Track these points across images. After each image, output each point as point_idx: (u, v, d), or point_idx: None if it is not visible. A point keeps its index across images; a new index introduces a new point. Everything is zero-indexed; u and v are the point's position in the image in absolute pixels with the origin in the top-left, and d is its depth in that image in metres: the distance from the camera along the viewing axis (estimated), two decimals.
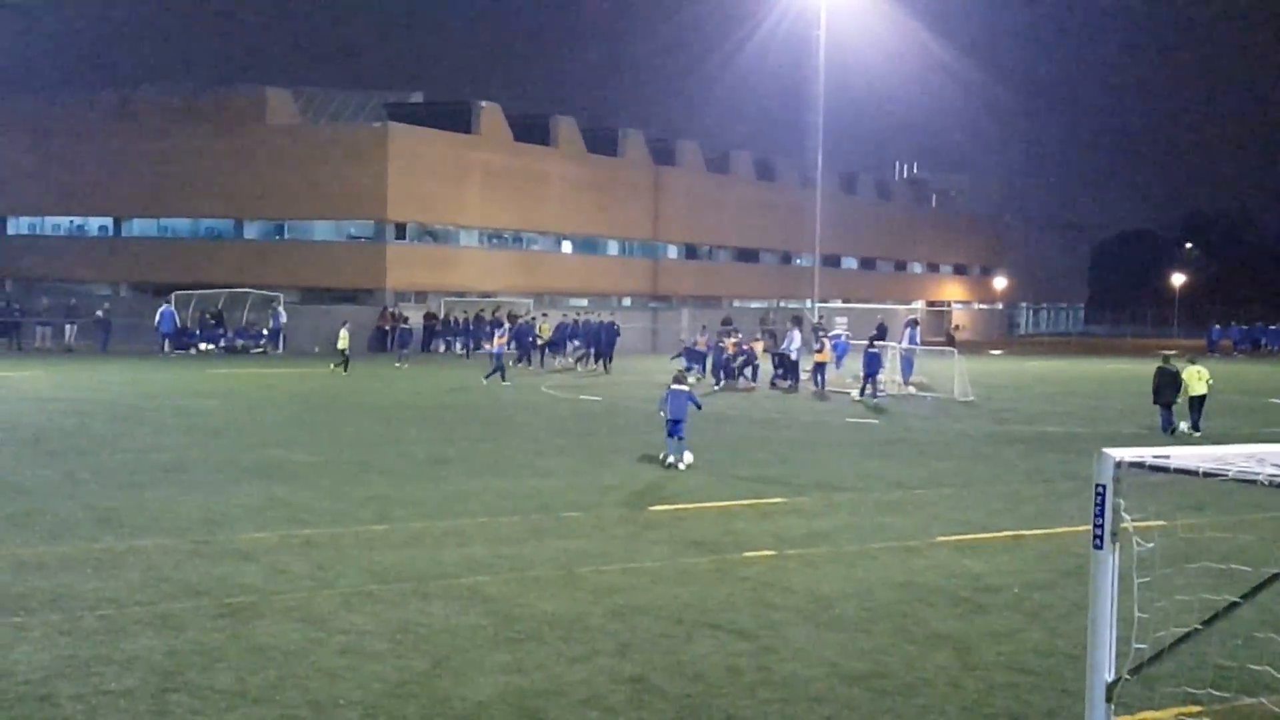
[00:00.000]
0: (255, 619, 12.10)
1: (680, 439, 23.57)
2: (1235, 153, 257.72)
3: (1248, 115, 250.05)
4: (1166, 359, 32.51)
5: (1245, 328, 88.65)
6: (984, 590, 14.09)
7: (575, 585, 13.79)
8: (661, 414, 24.09)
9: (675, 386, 23.96)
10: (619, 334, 54.16)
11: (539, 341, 53.93)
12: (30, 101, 73.45)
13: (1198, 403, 31.51)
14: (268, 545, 15.40)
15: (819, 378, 42.96)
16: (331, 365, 46.47)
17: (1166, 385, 31.59)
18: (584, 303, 72.78)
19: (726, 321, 51.64)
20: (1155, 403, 31.94)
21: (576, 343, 54.70)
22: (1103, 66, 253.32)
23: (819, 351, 43.74)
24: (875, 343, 41.19)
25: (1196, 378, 31.50)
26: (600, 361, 51.74)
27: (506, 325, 54.23)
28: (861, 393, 39.86)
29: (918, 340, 46.36)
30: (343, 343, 46.59)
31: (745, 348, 45.09)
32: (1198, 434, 30.87)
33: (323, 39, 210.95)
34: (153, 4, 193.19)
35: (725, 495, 20.16)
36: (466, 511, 18.08)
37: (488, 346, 52.44)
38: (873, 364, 39.78)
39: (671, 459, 23.52)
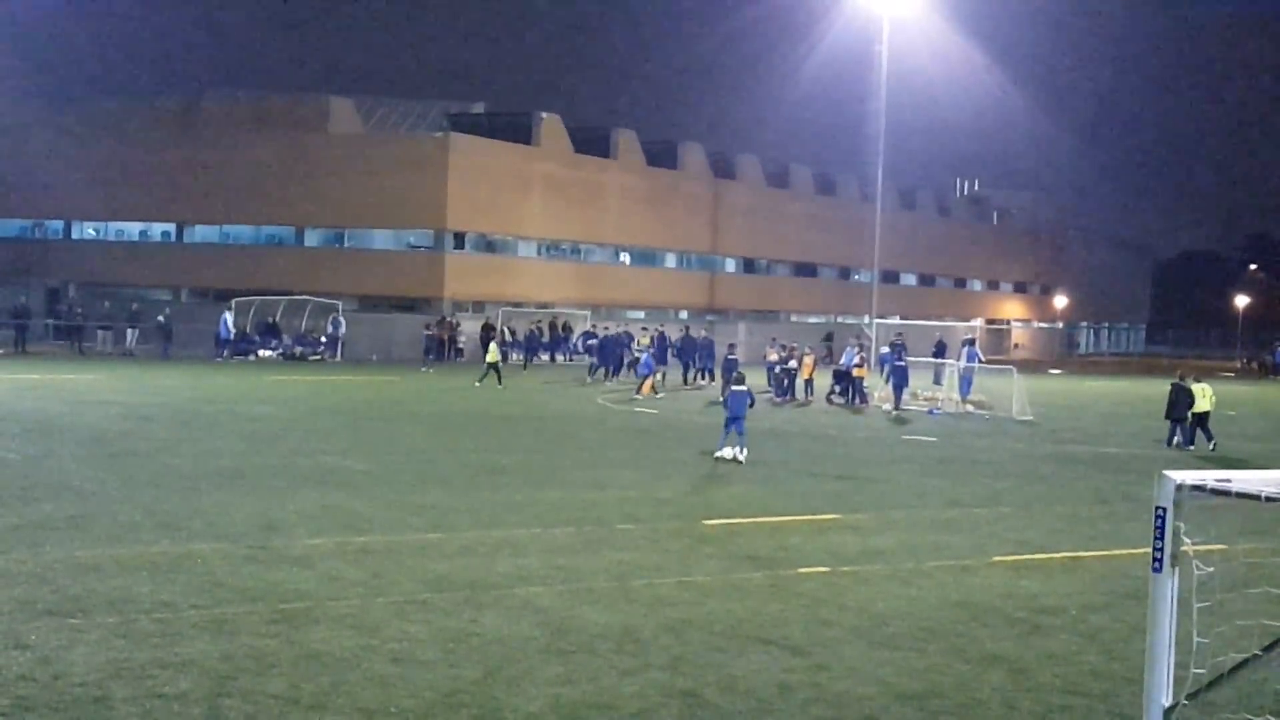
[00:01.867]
0: (309, 625, 12.16)
1: (740, 434, 26.30)
2: None
3: None
4: (1182, 376, 34.06)
5: None
6: (1041, 611, 13.95)
7: (628, 598, 13.77)
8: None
9: (735, 387, 27.26)
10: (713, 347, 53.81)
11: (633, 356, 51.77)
12: (95, 108, 74.43)
13: (1202, 418, 32.82)
14: (323, 552, 15.49)
15: (853, 391, 43.58)
16: (476, 382, 45.53)
17: (1180, 402, 32.97)
18: (641, 315, 72.80)
19: (828, 337, 50.92)
20: (1167, 418, 33.39)
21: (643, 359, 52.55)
22: (1167, 85, 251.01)
23: (858, 366, 43.91)
24: (904, 357, 42.99)
25: (1202, 395, 32.85)
26: (703, 375, 51.19)
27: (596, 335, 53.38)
28: (896, 406, 41.57)
29: (977, 358, 46.19)
30: (492, 355, 46.83)
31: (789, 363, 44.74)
32: (1212, 446, 32.26)
33: (386, 49, 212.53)
34: (218, 12, 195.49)
35: (780, 510, 20.08)
36: (521, 522, 18.10)
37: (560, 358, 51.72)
38: (900, 377, 41.80)
39: (722, 452, 26.30)
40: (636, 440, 30.41)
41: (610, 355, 52.45)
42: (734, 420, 26.29)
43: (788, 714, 10.22)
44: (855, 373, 43.82)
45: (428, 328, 59.89)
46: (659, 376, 46.92)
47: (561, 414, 36.73)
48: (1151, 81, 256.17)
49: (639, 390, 43.95)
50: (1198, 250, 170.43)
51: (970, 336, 53.89)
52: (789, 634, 12.56)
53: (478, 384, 44.92)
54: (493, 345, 47.62)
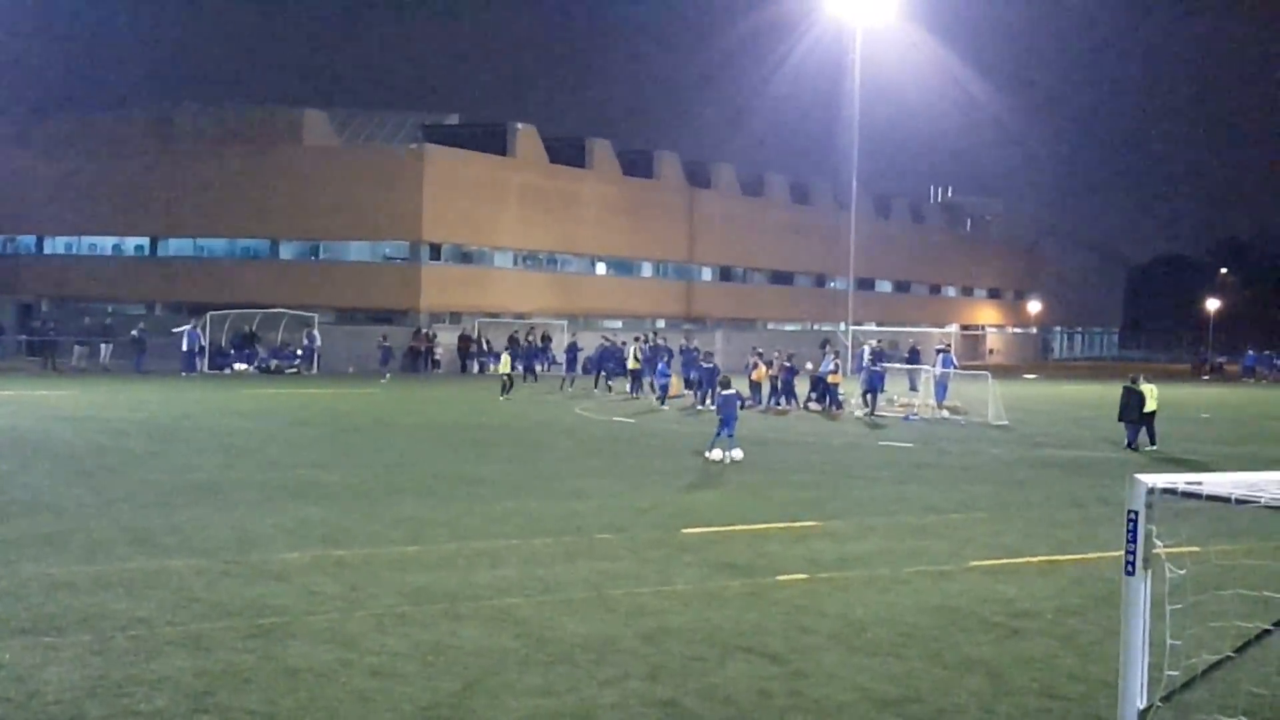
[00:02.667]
0: (287, 640, 12.13)
1: (730, 436, 27.68)
2: (1272, 178, 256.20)
3: None
4: (1134, 380, 34.57)
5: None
6: (1017, 615, 14.00)
7: (607, 607, 13.77)
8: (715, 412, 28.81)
9: (724, 391, 28.82)
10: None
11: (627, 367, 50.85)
12: (67, 122, 74.17)
13: (1148, 418, 33.54)
14: (300, 566, 15.45)
15: (829, 399, 43.88)
16: (501, 397, 45.37)
17: (1133, 404, 33.58)
18: (618, 324, 72.85)
19: (824, 344, 50.87)
20: (1120, 419, 33.96)
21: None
22: (1138, 92, 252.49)
23: (833, 373, 44.16)
24: (880, 363, 43.75)
25: (1150, 395, 33.69)
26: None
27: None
28: (871, 411, 41.82)
29: (952, 364, 46.39)
30: (504, 366, 46.77)
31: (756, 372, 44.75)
32: (1152, 447, 33.09)
33: (359, 61, 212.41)
34: (189, 25, 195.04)
35: (758, 518, 20.10)
36: (499, 533, 18.08)
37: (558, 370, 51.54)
38: (873, 383, 42.46)
39: (712, 453, 27.77)
40: (614, 450, 30.41)
41: (606, 364, 51.77)
42: (726, 424, 27.76)
43: None
44: (830, 379, 44.03)
45: (384, 338, 59.70)
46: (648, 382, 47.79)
47: (540, 424, 36.71)
48: (1122, 89, 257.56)
49: (663, 400, 44.03)
50: (1170, 255, 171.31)
51: (945, 344, 54.10)
52: (768, 641, 12.58)
53: (504, 399, 44.89)
54: (505, 356, 47.82)
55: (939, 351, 47.85)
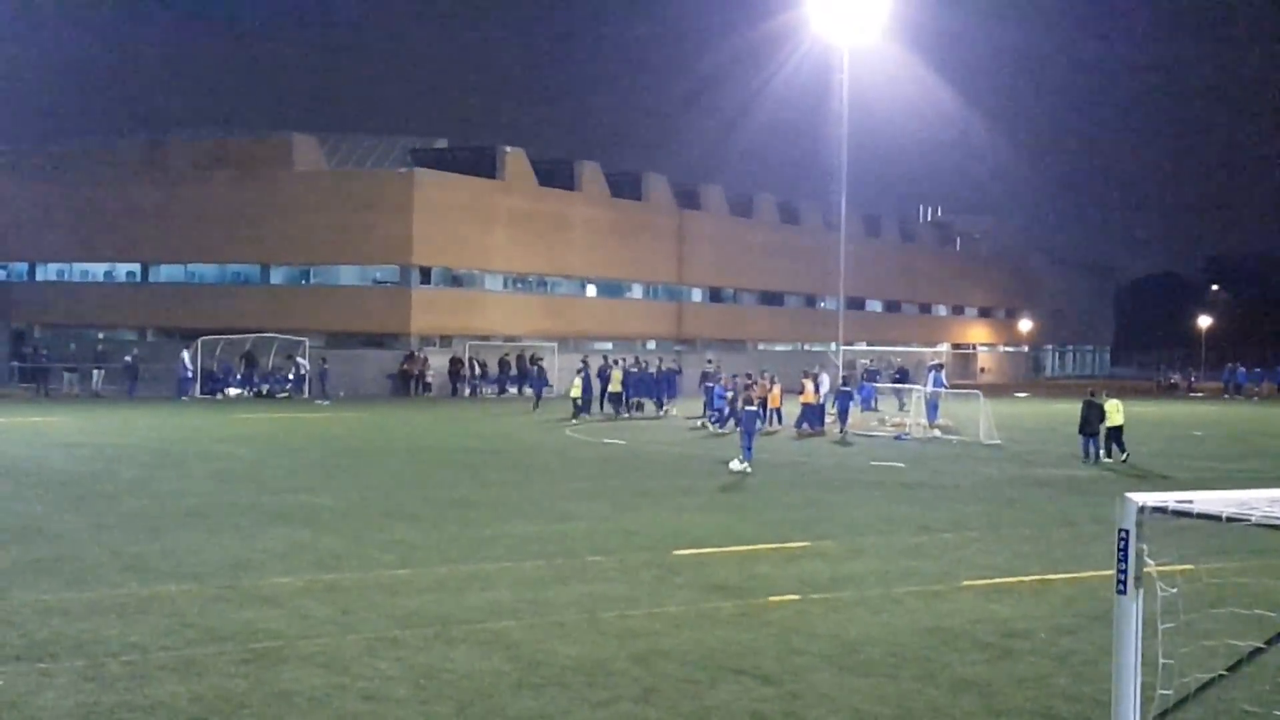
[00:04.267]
0: (279, 664, 12.10)
1: (747, 448, 30.66)
2: (1261, 194, 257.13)
3: (1276, 157, 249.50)
4: (1093, 394, 36.11)
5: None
6: (1011, 635, 14.00)
7: (599, 630, 13.76)
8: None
9: (748, 407, 32.43)
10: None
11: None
12: (59, 148, 74.22)
13: (1116, 432, 34.43)
14: (292, 590, 15.42)
15: (805, 421, 43.69)
16: (574, 419, 45.56)
17: (1092, 418, 34.73)
18: (609, 346, 72.86)
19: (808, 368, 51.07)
20: (1080, 433, 34.91)
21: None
22: (1127, 109, 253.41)
23: (803, 393, 44.16)
24: (855, 383, 44.96)
25: (1114, 410, 34.61)
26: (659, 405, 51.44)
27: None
28: (841, 429, 42.35)
29: (943, 383, 46.51)
30: (575, 391, 46.60)
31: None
32: (1124, 458, 34.02)
33: (349, 86, 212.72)
34: (180, 51, 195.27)
35: (750, 539, 20.10)
36: (490, 556, 18.06)
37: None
38: (843, 402, 43.13)
39: (732, 464, 30.46)
40: (605, 471, 30.39)
41: (587, 389, 50.58)
42: (747, 435, 31.10)
43: None
44: (802, 399, 43.85)
45: (324, 360, 59.49)
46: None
47: (530, 446, 36.70)
48: (1111, 107, 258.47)
49: (722, 425, 43.24)
50: (1160, 272, 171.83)
51: (937, 362, 54.26)
52: (760, 663, 12.57)
53: (575, 422, 44.85)
54: (577, 380, 47.36)
55: (931, 369, 48.01)
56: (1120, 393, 36.57)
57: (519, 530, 20.54)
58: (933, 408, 44.52)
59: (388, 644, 12.94)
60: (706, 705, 11.15)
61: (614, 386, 50.51)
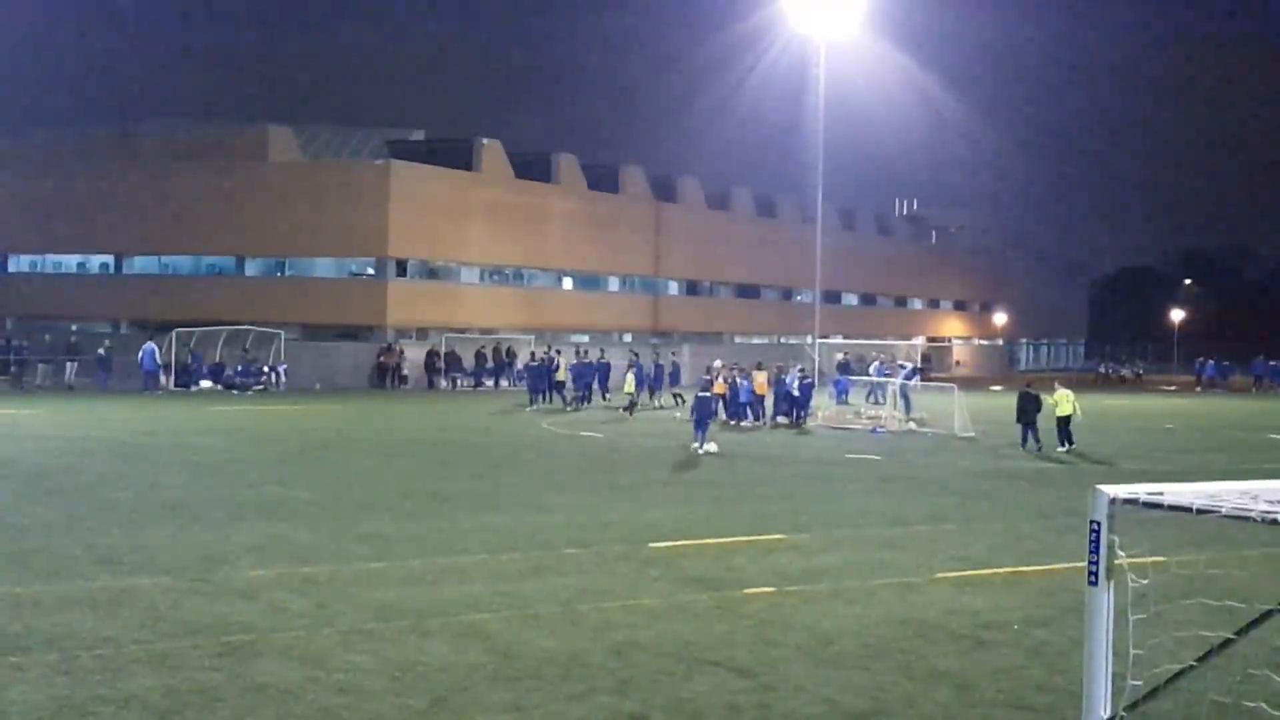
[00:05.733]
0: (254, 658, 12.08)
1: (702, 432, 33.18)
2: (1234, 189, 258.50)
3: (1248, 151, 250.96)
4: (1029, 385, 37.91)
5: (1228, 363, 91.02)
6: (984, 627, 14.07)
7: (575, 623, 13.77)
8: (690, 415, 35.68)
9: (701, 394, 34.74)
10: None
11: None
12: (32, 139, 73.74)
13: (1064, 423, 35.49)
14: (267, 583, 15.39)
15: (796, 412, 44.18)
16: (621, 409, 46.09)
17: (1028, 408, 36.10)
18: (585, 339, 72.82)
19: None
20: (1017, 422, 36.15)
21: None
22: (1102, 103, 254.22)
23: (760, 385, 44.86)
24: (808, 375, 45.58)
25: (1065, 401, 35.71)
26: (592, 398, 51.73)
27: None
28: (796, 421, 43.41)
29: (917, 376, 46.90)
30: (629, 386, 46.94)
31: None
32: (1064, 449, 35.00)
33: (325, 77, 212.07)
34: (153, 43, 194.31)
35: (725, 531, 20.13)
36: (466, 549, 18.06)
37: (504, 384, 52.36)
38: (806, 393, 44.11)
39: (696, 446, 32.69)
40: (581, 464, 30.40)
41: (539, 382, 51.76)
42: (700, 421, 33.41)
43: None
44: (757, 390, 44.02)
45: (246, 350, 59.35)
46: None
47: (506, 439, 36.68)
48: (1086, 101, 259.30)
49: (773, 422, 43.99)
50: (1134, 266, 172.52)
51: (913, 365, 55.36)
52: (736, 655, 12.60)
53: (626, 412, 45.55)
54: (630, 376, 47.87)
55: (904, 365, 48.43)
56: (1066, 385, 37.20)
57: (495, 523, 20.54)
58: (907, 401, 44.77)
59: (363, 637, 12.93)
60: (682, 697, 11.17)
61: (561, 376, 52.13)
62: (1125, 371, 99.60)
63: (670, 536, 19.46)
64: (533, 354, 55.95)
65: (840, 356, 65.19)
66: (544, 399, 51.10)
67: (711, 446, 32.88)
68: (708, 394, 35.12)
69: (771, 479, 28.04)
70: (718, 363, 46.92)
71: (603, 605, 14.60)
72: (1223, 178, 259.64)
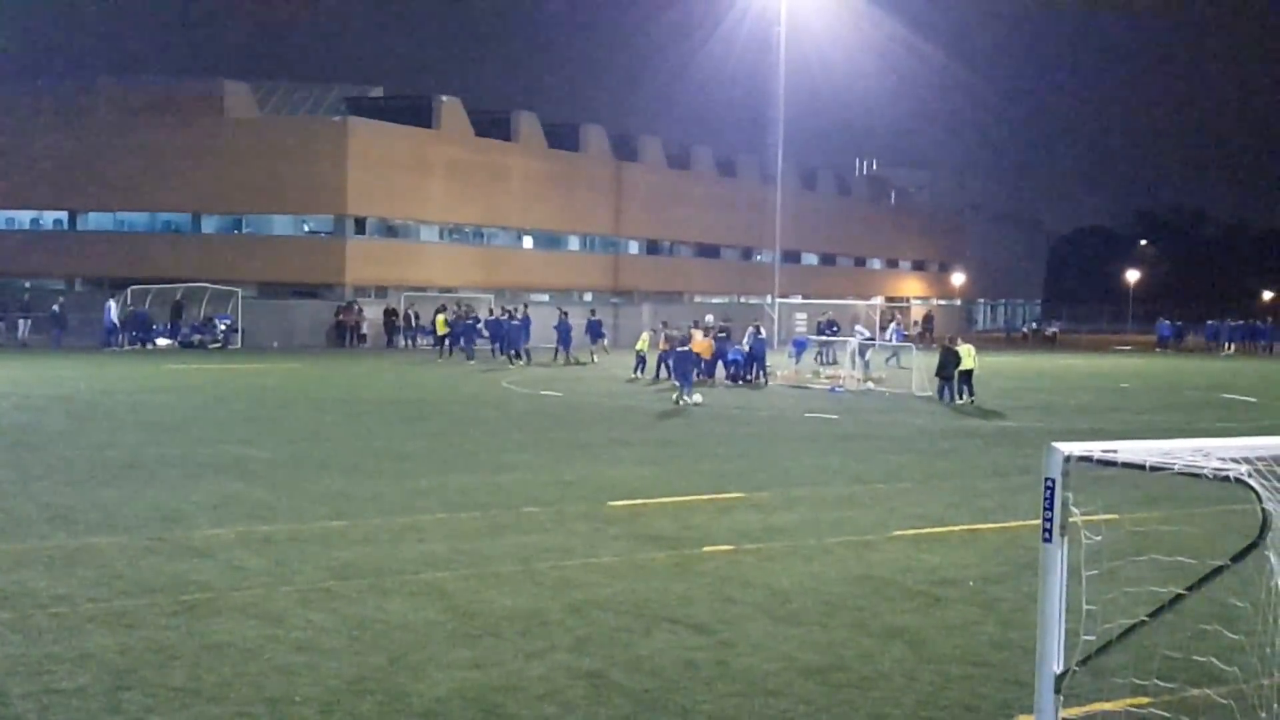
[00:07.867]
0: (211, 616, 12.05)
1: (686, 385, 35.27)
2: (1189, 149, 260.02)
3: (1203, 112, 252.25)
4: (951, 340, 40.04)
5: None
6: (940, 584, 14.18)
7: (534, 581, 13.80)
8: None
9: (680, 348, 36.98)
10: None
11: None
12: None
13: (966, 375, 37.66)
14: (224, 542, 15.33)
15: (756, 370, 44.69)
16: (634, 373, 45.33)
17: (948, 363, 37.94)
18: (545, 298, 72.72)
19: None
20: (936, 375, 38.25)
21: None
22: (1059, 64, 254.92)
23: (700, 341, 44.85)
24: (763, 331, 46.64)
25: (968, 355, 37.87)
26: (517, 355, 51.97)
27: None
28: (756, 376, 44.09)
29: (901, 335, 47.72)
30: (641, 344, 46.77)
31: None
32: (967, 400, 37.26)
33: (282, 32, 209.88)
34: None
35: (684, 490, 20.19)
36: (425, 507, 18.04)
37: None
38: (759, 349, 44.78)
39: (681, 397, 34.70)
40: (541, 423, 30.39)
41: (469, 339, 53.41)
42: (682, 375, 35.64)
43: (693, 691, 10.30)
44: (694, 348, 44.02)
45: (203, 307, 59.40)
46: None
47: (466, 398, 36.63)
48: (1043, 62, 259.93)
49: (777, 377, 44.46)
50: (1090, 226, 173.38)
51: (896, 322, 56.88)
52: (694, 613, 12.66)
53: (639, 376, 45.01)
54: (644, 335, 48.11)
55: (889, 322, 49.37)
56: (987, 343, 38.99)
57: (455, 482, 20.53)
58: (865, 360, 45.08)
59: (321, 595, 12.91)
60: (640, 654, 11.22)
61: (441, 329, 54.72)
62: (1054, 329, 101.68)
63: (629, 495, 19.51)
64: (506, 310, 55.90)
65: (825, 316, 65.55)
66: (515, 355, 51.66)
67: (697, 397, 35.08)
68: (686, 348, 36.86)
69: (730, 438, 28.12)
70: (709, 317, 48.04)
71: (562, 564, 14.63)
72: (1179, 137, 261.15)
